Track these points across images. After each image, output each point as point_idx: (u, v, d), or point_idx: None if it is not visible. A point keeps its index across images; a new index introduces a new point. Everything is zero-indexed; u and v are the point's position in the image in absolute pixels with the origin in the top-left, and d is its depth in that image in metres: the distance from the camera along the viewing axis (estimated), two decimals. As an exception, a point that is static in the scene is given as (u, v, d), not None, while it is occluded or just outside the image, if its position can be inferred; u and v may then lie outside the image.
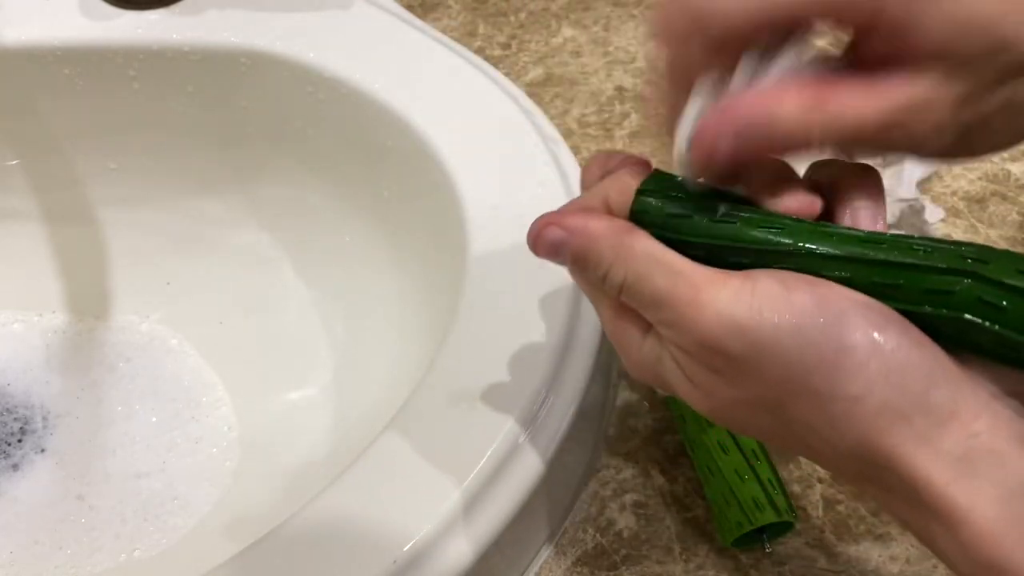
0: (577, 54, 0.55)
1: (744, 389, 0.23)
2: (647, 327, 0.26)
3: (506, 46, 0.55)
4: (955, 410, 0.21)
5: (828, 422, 0.22)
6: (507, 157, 0.41)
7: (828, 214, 0.25)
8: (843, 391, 0.22)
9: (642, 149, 0.49)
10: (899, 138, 0.23)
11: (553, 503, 0.35)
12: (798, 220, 0.24)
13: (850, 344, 0.22)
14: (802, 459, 0.37)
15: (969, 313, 0.22)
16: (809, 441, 0.23)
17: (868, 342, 0.22)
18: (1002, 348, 0.22)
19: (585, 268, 0.26)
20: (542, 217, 0.27)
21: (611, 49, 0.55)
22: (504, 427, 0.32)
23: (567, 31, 0.56)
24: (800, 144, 0.24)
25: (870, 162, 0.26)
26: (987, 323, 0.22)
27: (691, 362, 0.24)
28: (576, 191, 0.40)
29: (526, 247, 0.37)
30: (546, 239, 0.26)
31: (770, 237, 0.24)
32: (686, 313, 0.23)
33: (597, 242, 0.25)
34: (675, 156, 0.25)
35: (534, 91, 0.52)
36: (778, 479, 0.35)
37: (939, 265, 0.22)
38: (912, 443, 0.21)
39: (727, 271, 0.24)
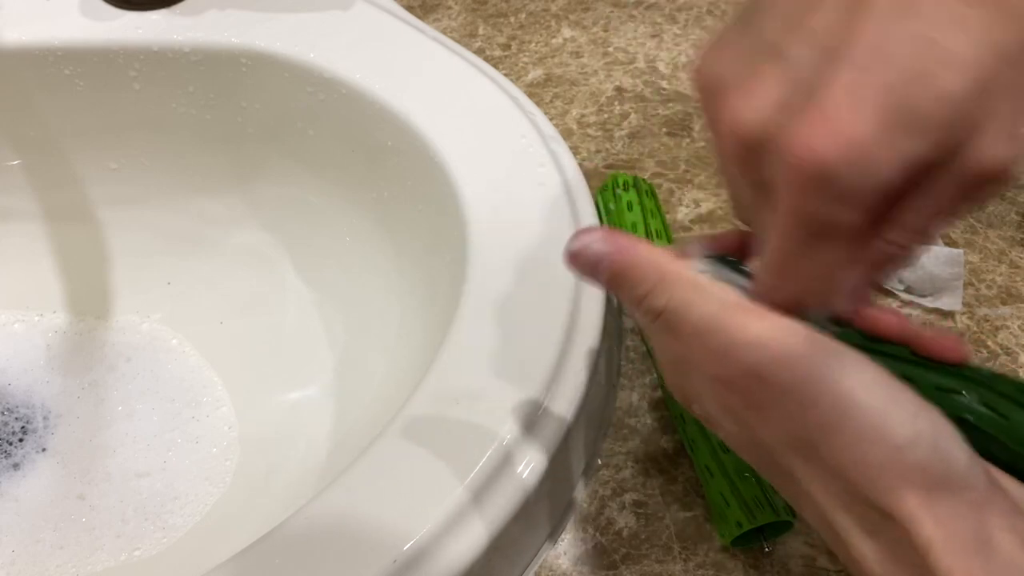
0: (577, 55, 0.55)
1: (781, 426, 0.23)
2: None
3: (506, 47, 0.55)
4: (986, 501, 0.22)
5: (860, 466, 0.22)
6: (507, 157, 0.41)
7: None
8: (892, 435, 0.21)
9: (641, 150, 0.49)
10: None
11: (553, 502, 0.35)
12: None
13: (906, 395, 0.22)
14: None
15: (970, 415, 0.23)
16: (827, 486, 0.22)
17: (920, 400, 0.22)
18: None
19: (622, 287, 0.26)
20: (584, 230, 0.26)
21: (611, 50, 0.55)
22: (504, 427, 0.32)
23: (567, 32, 0.56)
24: None
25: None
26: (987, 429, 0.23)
27: (731, 396, 0.23)
28: (574, 190, 0.40)
29: (526, 247, 0.37)
30: (588, 253, 0.26)
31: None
32: (734, 340, 0.23)
33: (641, 263, 0.25)
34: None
35: (534, 91, 0.52)
36: (777, 479, 0.35)
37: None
38: (937, 510, 0.21)
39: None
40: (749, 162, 0.24)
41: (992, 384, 0.24)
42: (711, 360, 0.23)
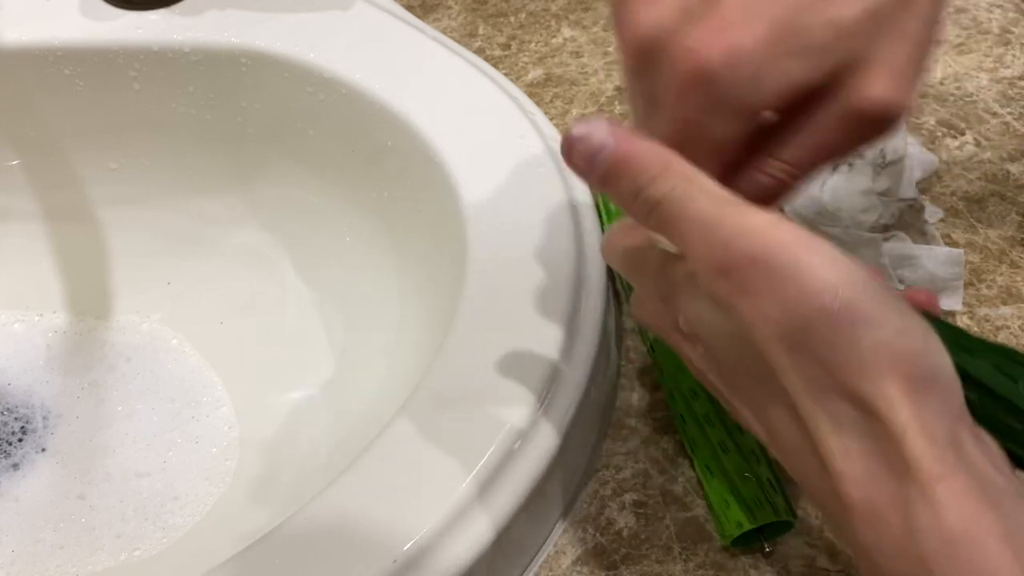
0: (577, 54, 0.55)
1: (776, 310, 0.22)
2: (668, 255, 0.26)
3: (506, 46, 0.55)
4: (961, 413, 0.22)
5: (851, 349, 0.22)
6: (507, 157, 0.41)
7: None
8: (886, 322, 0.22)
9: (642, 149, 0.49)
10: None
11: (553, 502, 0.35)
12: None
13: (899, 297, 0.22)
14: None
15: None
16: (809, 375, 0.22)
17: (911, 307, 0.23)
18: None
19: (622, 177, 0.25)
20: (586, 118, 0.26)
21: (611, 49, 0.55)
22: (504, 427, 0.32)
23: (567, 31, 0.56)
24: None
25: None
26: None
27: (727, 284, 0.23)
28: (574, 190, 0.40)
29: (526, 247, 0.37)
30: (589, 141, 0.25)
31: None
32: (736, 229, 0.23)
33: (645, 152, 0.25)
34: None
35: (534, 91, 0.52)
36: (777, 479, 0.35)
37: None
38: (918, 402, 0.21)
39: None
40: (644, 70, 0.25)
41: (956, 335, 0.25)
42: (711, 249, 0.23)
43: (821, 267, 0.22)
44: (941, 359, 0.22)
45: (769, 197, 0.26)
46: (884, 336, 0.22)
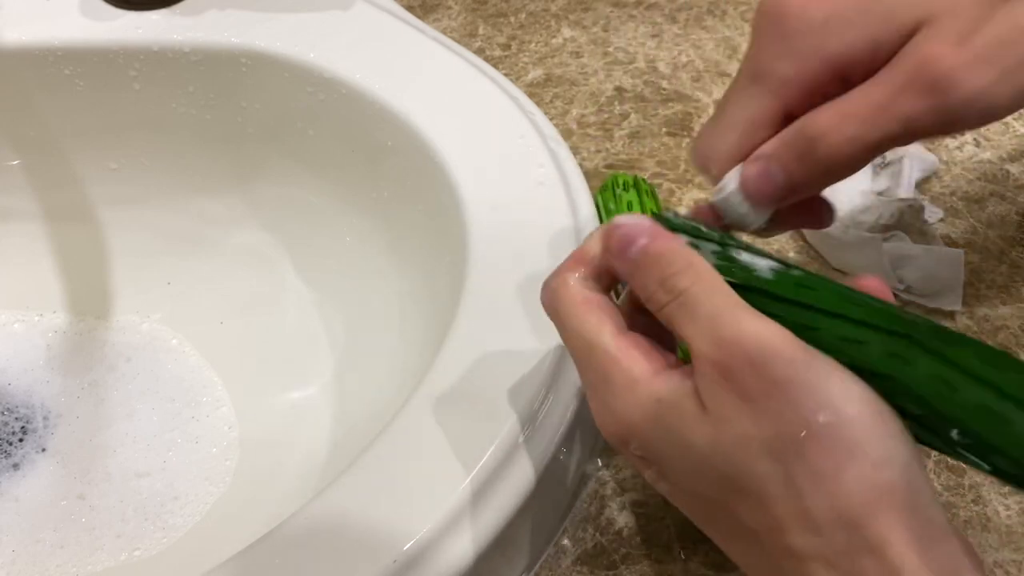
0: (577, 54, 0.55)
1: (766, 422, 0.23)
2: (661, 366, 0.26)
3: (506, 47, 0.55)
4: (946, 536, 0.22)
5: (837, 476, 0.22)
6: (507, 157, 0.41)
7: None
8: (874, 450, 0.22)
9: (641, 150, 0.49)
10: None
11: (553, 502, 0.35)
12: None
13: (888, 417, 0.23)
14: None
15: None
16: (796, 496, 0.22)
17: (900, 425, 0.23)
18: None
19: (651, 267, 0.26)
20: (628, 216, 0.28)
21: (611, 50, 0.55)
22: (504, 427, 0.32)
23: (567, 32, 0.56)
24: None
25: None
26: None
27: (722, 384, 0.23)
28: (574, 190, 0.40)
29: (526, 246, 0.37)
30: (626, 232, 0.27)
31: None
32: (741, 330, 0.24)
33: (674, 249, 0.26)
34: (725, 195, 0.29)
35: (534, 91, 0.52)
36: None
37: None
38: (912, 535, 0.21)
39: None
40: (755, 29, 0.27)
41: (902, 328, 0.24)
42: (717, 346, 0.24)
43: (812, 384, 0.22)
44: (921, 485, 0.22)
45: (811, 162, 0.26)
46: (866, 466, 0.22)
